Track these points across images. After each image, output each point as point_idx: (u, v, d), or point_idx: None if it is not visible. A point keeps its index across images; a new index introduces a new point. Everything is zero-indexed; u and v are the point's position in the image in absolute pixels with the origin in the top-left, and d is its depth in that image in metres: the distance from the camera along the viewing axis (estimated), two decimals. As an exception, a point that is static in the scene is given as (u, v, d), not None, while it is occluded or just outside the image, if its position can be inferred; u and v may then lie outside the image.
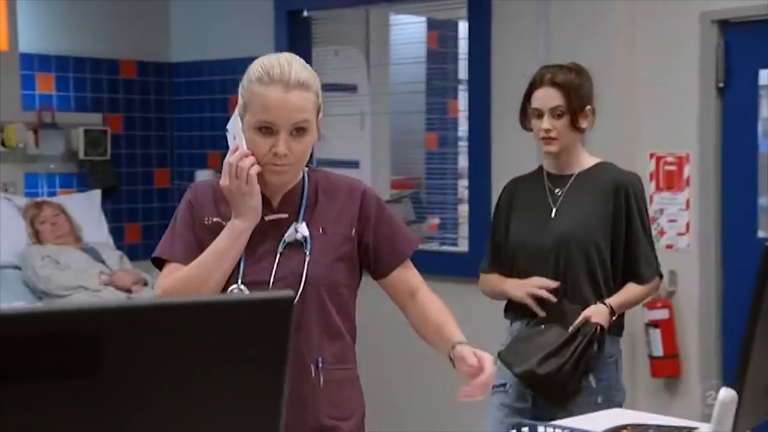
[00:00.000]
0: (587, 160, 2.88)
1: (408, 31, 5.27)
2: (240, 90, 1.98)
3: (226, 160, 1.94)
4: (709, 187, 3.85)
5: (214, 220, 2.00)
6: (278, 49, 5.05)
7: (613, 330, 2.80)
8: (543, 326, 2.75)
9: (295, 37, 5.02)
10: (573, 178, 2.84)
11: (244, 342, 1.03)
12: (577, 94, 2.78)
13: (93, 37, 5.32)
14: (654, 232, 4.04)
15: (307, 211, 2.01)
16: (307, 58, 5.10)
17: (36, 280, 4.43)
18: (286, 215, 2.00)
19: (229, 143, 1.97)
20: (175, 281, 1.97)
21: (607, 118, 4.00)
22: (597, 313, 2.73)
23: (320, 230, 2.01)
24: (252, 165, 1.92)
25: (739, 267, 3.78)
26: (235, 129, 1.96)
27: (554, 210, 2.81)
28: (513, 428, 2.08)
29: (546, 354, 2.68)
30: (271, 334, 1.05)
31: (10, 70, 4.97)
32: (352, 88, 5.19)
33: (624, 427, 2.12)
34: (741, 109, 3.81)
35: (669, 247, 3.92)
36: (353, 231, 2.03)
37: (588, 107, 2.83)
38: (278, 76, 1.91)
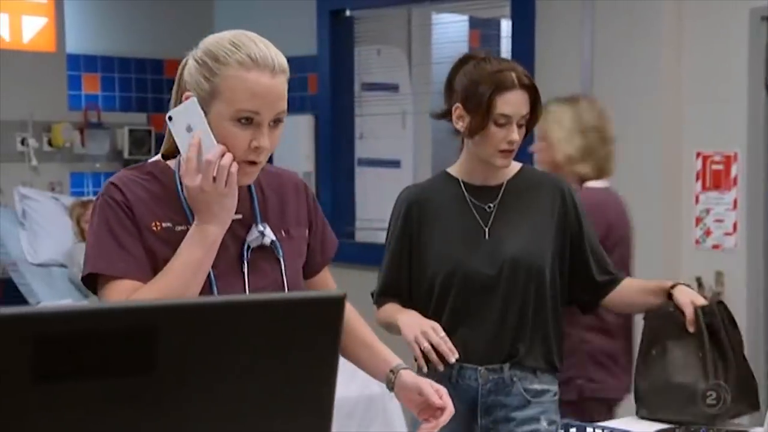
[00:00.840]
0: (511, 167, 2.40)
1: (450, 30, 5.26)
2: (200, 73, 1.71)
3: (189, 156, 1.65)
4: (757, 186, 3.79)
5: (164, 225, 1.71)
6: (321, 49, 5.07)
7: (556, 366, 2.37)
8: (653, 352, 2.24)
9: (338, 36, 5.04)
10: (503, 188, 2.36)
11: (297, 341, 1.03)
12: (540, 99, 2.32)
13: (138, 38, 5.37)
14: (700, 232, 4.02)
15: (260, 210, 1.79)
16: (350, 58, 5.20)
17: (82, 277, 4.49)
18: (240, 216, 1.75)
19: (177, 135, 1.68)
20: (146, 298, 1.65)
21: (653, 117, 3.97)
22: (688, 293, 2.26)
23: (283, 233, 1.80)
24: (231, 163, 1.66)
25: (788, 267, 3.73)
26: (193, 119, 1.67)
27: (487, 229, 2.33)
28: (562, 428, 2.07)
29: (704, 370, 2.22)
30: (323, 333, 1.05)
31: (57, 70, 5.05)
32: (394, 88, 5.19)
33: (675, 428, 2.10)
34: (790, 107, 3.75)
35: (716, 247, 3.87)
36: (306, 231, 1.85)
37: None
38: (262, 60, 1.67)
